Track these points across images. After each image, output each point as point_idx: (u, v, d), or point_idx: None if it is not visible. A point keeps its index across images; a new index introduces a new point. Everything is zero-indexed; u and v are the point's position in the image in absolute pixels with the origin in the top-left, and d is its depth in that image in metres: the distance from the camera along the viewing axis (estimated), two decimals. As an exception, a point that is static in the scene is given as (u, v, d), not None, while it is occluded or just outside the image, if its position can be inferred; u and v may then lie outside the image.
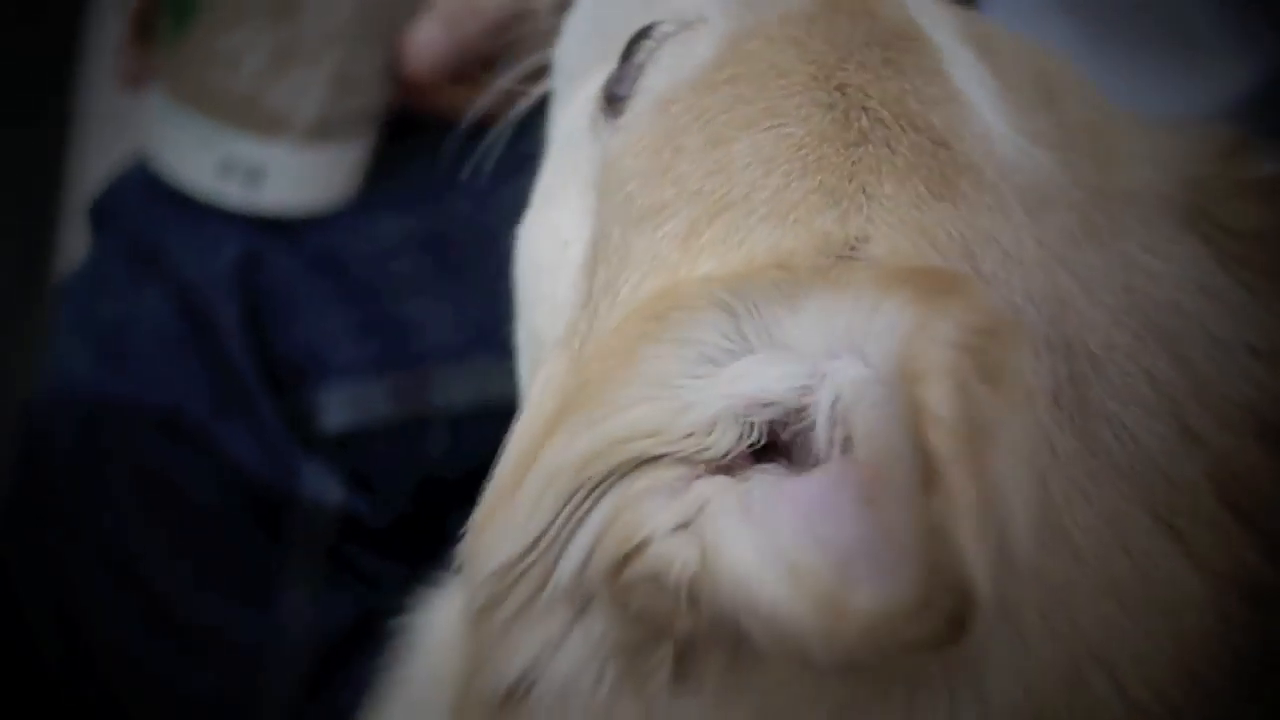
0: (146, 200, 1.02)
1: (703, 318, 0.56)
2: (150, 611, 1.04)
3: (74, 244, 1.28)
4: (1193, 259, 0.64)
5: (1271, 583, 0.58)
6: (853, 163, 0.61)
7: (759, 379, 0.54)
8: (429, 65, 0.98)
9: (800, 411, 0.53)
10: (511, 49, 1.04)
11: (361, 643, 1.09)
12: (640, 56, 0.71)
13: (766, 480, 0.53)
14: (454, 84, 1.02)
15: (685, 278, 0.60)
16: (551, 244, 0.71)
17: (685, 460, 0.54)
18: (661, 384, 0.55)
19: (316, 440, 1.02)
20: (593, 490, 0.55)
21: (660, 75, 0.69)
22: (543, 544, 0.56)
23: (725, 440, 0.54)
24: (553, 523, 0.55)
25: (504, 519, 0.57)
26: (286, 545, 1.03)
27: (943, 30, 0.69)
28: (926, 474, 0.45)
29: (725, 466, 0.54)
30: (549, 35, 1.08)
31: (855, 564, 0.47)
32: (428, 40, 0.98)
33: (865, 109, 0.63)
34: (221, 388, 1.00)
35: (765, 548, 0.50)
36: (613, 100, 0.71)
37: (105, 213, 1.05)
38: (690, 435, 0.54)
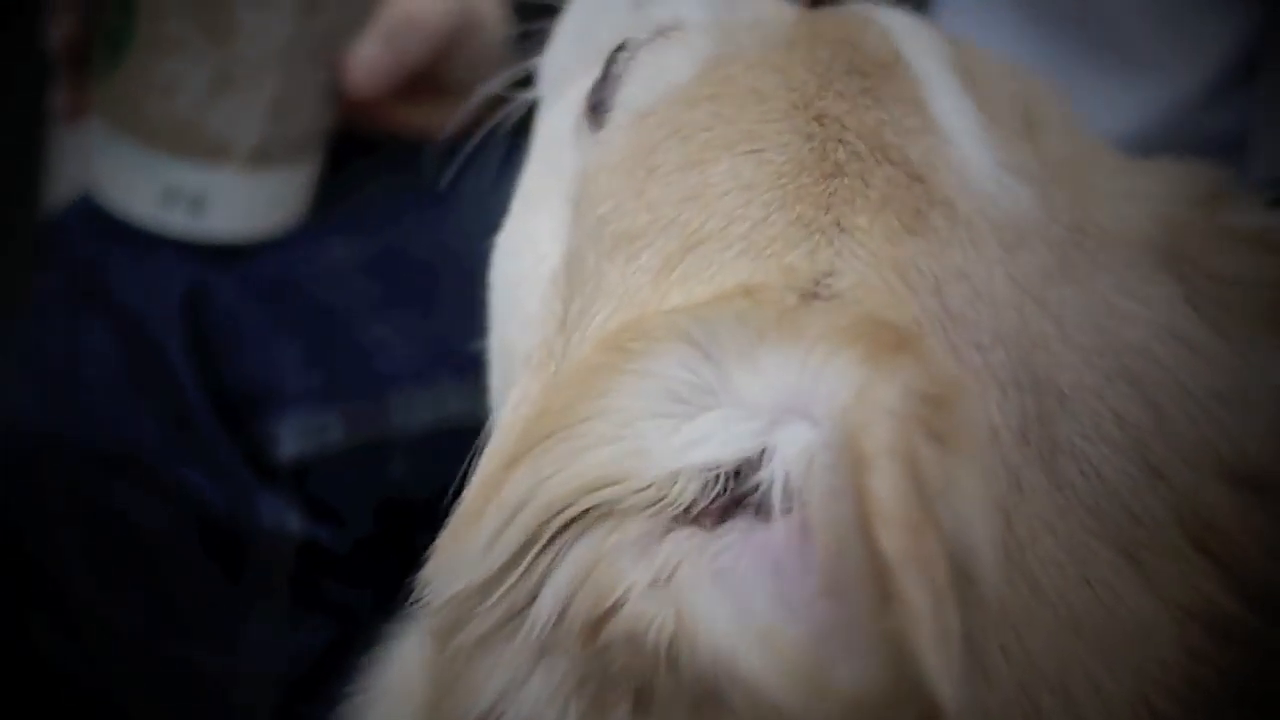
0: (89, 233, 1.00)
1: (666, 350, 0.55)
2: (110, 651, 1.02)
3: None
4: (1167, 302, 0.63)
5: (1236, 616, 0.57)
6: (829, 194, 0.61)
7: (715, 438, 0.53)
8: (372, 84, 0.97)
9: (757, 468, 0.52)
10: (458, 65, 1.03)
11: (331, 672, 1.07)
12: (618, 68, 0.71)
13: (735, 539, 0.52)
14: (400, 102, 1.01)
15: (653, 312, 0.59)
16: (528, 255, 0.71)
17: (652, 511, 0.53)
18: (623, 423, 0.54)
19: (273, 470, 1.00)
20: (559, 533, 0.54)
21: (637, 88, 0.69)
22: (507, 581, 0.55)
23: (689, 492, 0.53)
24: (517, 559, 0.54)
25: (465, 545, 0.56)
26: (247, 578, 1.02)
27: (928, 59, 0.68)
28: (878, 579, 0.44)
29: (694, 518, 0.53)
30: (498, 50, 1.07)
31: (829, 641, 0.46)
32: (370, 59, 0.96)
33: (842, 140, 0.63)
34: (172, 421, 0.98)
35: (740, 615, 0.49)
36: (595, 109, 0.72)
37: (46, 246, 1.04)
38: (652, 486, 0.53)
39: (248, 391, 0.99)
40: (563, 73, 0.80)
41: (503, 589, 0.55)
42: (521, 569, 0.54)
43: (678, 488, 0.53)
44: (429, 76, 1.01)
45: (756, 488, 0.53)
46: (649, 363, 0.55)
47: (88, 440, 0.98)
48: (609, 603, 0.52)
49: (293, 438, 1.00)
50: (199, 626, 1.02)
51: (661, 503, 0.53)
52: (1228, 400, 0.61)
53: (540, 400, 0.61)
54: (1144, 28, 1.04)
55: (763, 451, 0.52)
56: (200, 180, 0.95)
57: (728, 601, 0.50)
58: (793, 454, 0.51)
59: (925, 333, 0.57)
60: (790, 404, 0.52)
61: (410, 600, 0.82)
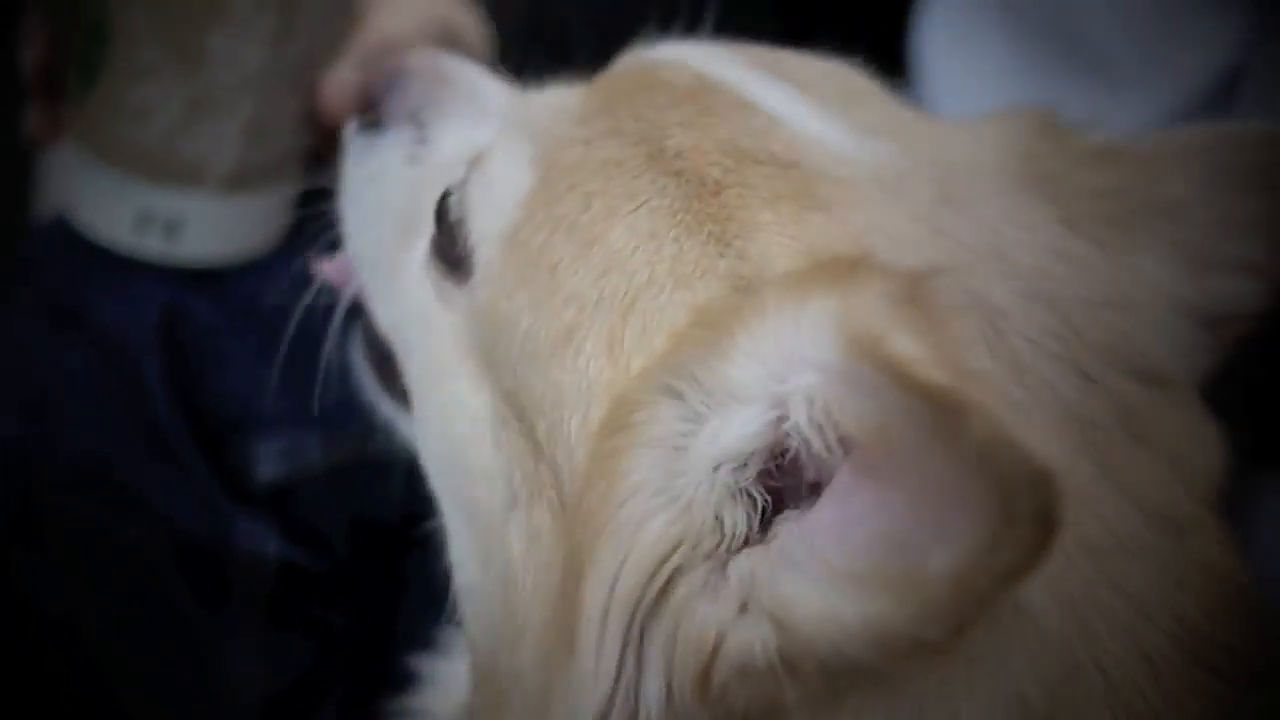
0: (66, 254, 1.00)
1: (655, 409, 0.57)
2: (90, 675, 1.03)
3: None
4: (1046, 224, 0.67)
5: (1190, 513, 0.62)
6: (724, 209, 0.63)
7: (726, 441, 0.55)
8: (346, 109, 0.97)
9: (783, 445, 0.54)
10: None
11: (310, 692, 1.08)
12: (455, 213, 0.72)
13: (790, 527, 0.53)
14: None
15: (625, 383, 0.60)
16: (458, 420, 0.70)
17: (711, 555, 0.55)
18: (655, 491, 0.56)
19: (251, 492, 1.00)
20: (644, 620, 0.55)
21: (488, 218, 0.70)
22: (621, 686, 0.56)
23: (739, 520, 0.55)
24: (620, 663, 0.56)
25: (572, 677, 0.57)
26: (225, 599, 1.02)
27: (731, 69, 0.71)
28: (942, 407, 0.45)
29: (746, 538, 0.55)
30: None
31: (910, 538, 0.47)
32: (345, 84, 0.96)
33: (708, 163, 0.65)
34: (150, 444, 0.98)
35: (825, 582, 0.50)
36: (452, 264, 0.72)
37: (22, 268, 1.04)
38: (706, 531, 0.55)
39: (225, 413, 0.99)
40: (378, 254, 0.81)
41: (619, 693, 0.56)
42: (628, 667, 0.56)
43: (727, 522, 0.55)
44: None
45: (791, 471, 0.54)
46: (647, 429, 0.57)
47: (64, 460, 0.99)
48: (708, 651, 0.54)
49: (271, 460, 1.00)
50: (177, 647, 1.02)
51: (720, 543, 0.55)
52: (1119, 306, 0.66)
53: (567, 517, 0.61)
54: (1127, 46, 1.04)
55: (776, 426, 0.54)
56: (175, 205, 0.95)
57: (808, 579, 0.51)
58: (808, 396, 0.52)
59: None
60: (783, 366, 0.53)
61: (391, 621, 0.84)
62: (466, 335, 0.70)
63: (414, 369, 0.76)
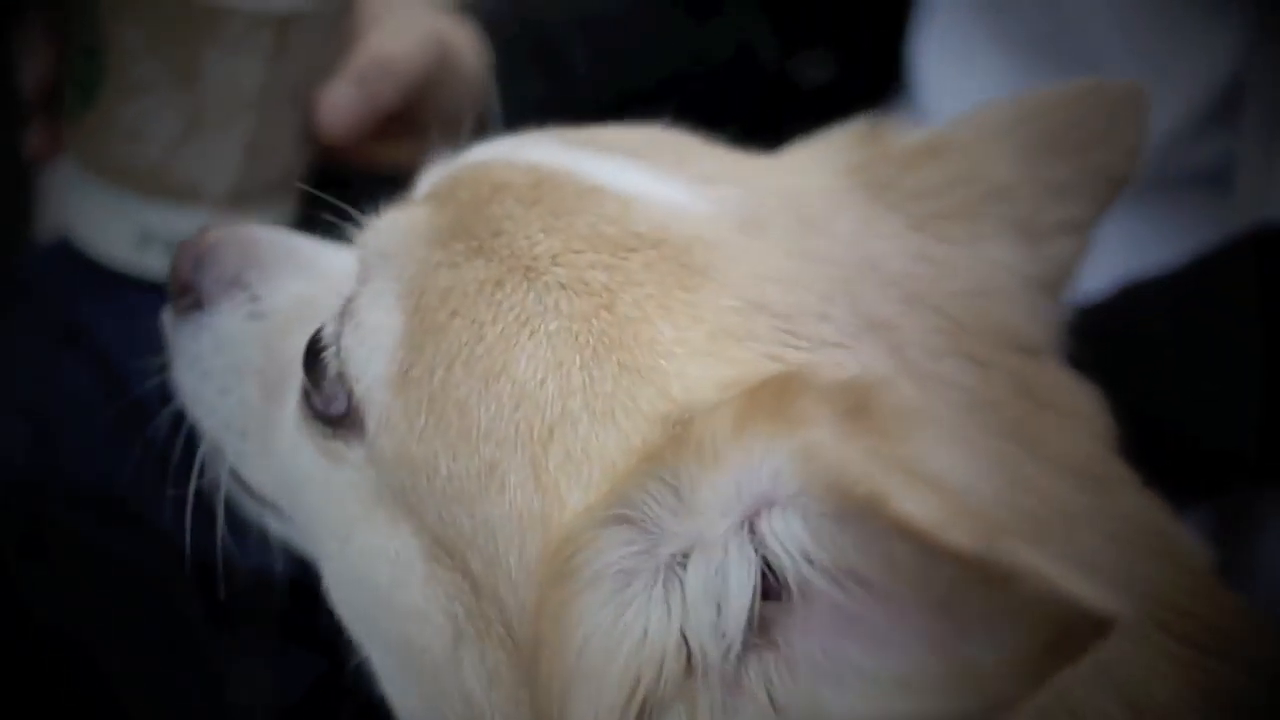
0: (67, 275, 1.01)
1: (598, 553, 0.57)
2: (101, 693, 1.03)
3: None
4: (896, 231, 0.70)
5: (1107, 463, 0.66)
6: (620, 323, 0.62)
7: (692, 583, 0.56)
8: (345, 126, 0.98)
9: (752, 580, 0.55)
10: (434, 103, 1.04)
11: (319, 706, 1.08)
12: (331, 368, 0.70)
13: (803, 637, 0.54)
14: (375, 141, 1.02)
15: (562, 519, 0.60)
16: (379, 567, 0.68)
17: (706, 672, 0.56)
18: (610, 633, 0.56)
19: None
20: None
21: (367, 363, 0.68)
22: None
23: (716, 646, 0.55)
24: None
25: None
26: (236, 617, 1.03)
27: (560, 154, 0.70)
28: (977, 569, 0.46)
29: (748, 647, 0.55)
30: (474, 87, 1.08)
31: (953, 649, 0.49)
32: (342, 102, 0.97)
33: (586, 265, 0.64)
34: (153, 461, 0.99)
35: (862, 687, 0.52)
36: (335, 421, 0.70)
37: (24, 288, 1.05)
38: (671, 657, 0.56)
39: None
40: (242, 420, 0.79)
41: None
42: None
43: (710, 647, 0.55)
44: (403, 115, 1.02)
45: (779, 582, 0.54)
46: (596, 565, 0.57)
47: (69, 479, 1.00)
48: None
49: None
50: (183, 660, 1.02)
51: (708, 662, 0.56)
52: (983, 292, 0.69)
53: (520, 653, 0.61)
54: (1127, 58, 1.05)
55: (757, 558, 0.54)
56: (174, 222, 0.96)
57: (845, 687, 0.52)
58: (786, 541, 0.53)
59: (787, 358, 0.61)
60: (743, 508, 0.54)
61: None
62: (369, 485, 0.69)
63: (312, 528, 0.74)
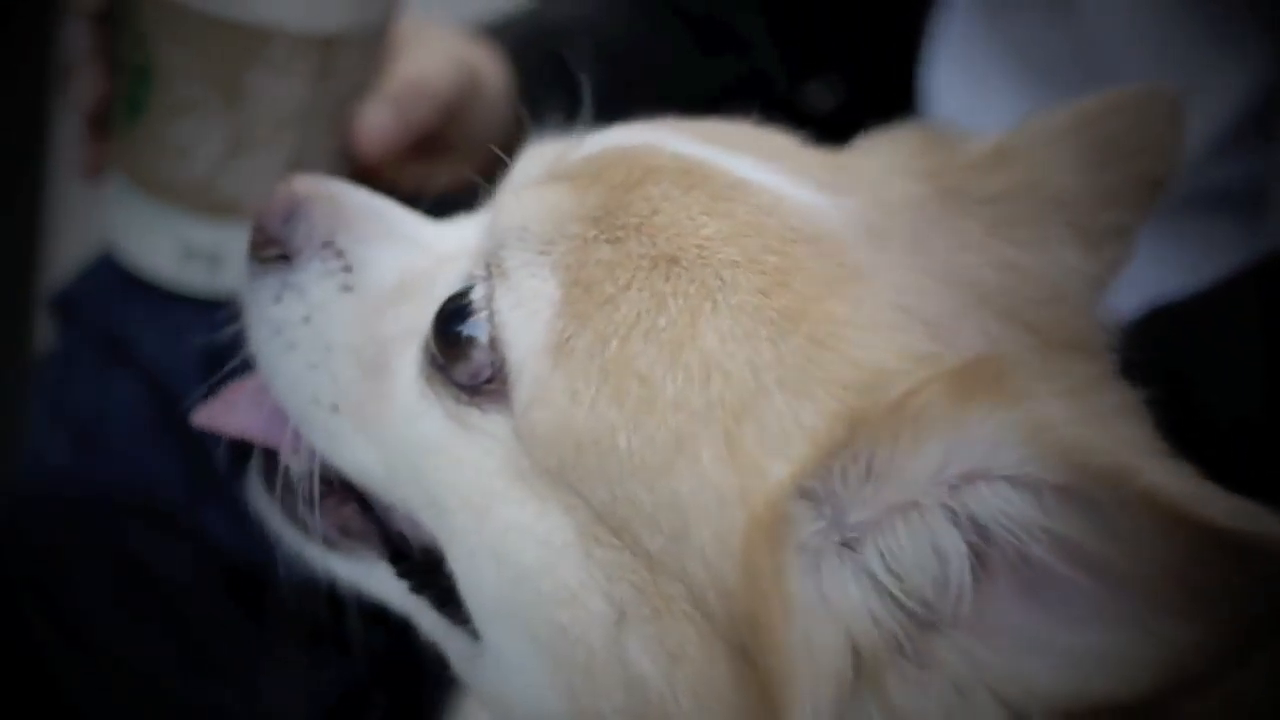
0: (112, 290, 1.04)
1: (799, 518, 0.59)
2: (135, 694, 1.05)
3: (41, 335, 1.30)
4: (979, 241, 0.71)
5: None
6: (800, 299, 0.64)
7: (899, 550, 0.58)
8: (381, 146, 1.00)
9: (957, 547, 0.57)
10: (463, 125, 1.06)
11: (352, 711, 1.10)
12: (480, 333, 0.68)
13: (1008, 615, 0.56)
14: (408, 161, 1.04)
15: (763, 491, 0.60)
16: (525, 547, 0.66)
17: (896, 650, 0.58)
18: (818, 603, 0.58)
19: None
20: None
21: (523, 331, 0.66)
22: None
23: (911, 615, 0.58)
24: None
25: None
26: (270, 621, 1.04)
27: (695, 147, 0.71)
28: (1222, 542, 0.49)
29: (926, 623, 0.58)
30: (501, 110, 1.10)
31: (1173, 615, 0.52)
32: (379, 122, 1.00)
33: (759, 249, 0.65)
34: (196, 470, 1.01)
35: (1071, 662, 0.55)
36: (472, 390, 0.68)
37: (71, 304, 1.07)
38: (883, 629, 0.58)
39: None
40: (336, 395, 0.74)
41: None
42: None
43: (906, 617, 0.58)
44: (435, 136, 1.04)
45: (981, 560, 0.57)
46: (798, 537, 0.59)
47: (114, 488, 1.02)
48: None
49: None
50: (222, 668, 1.04)
51: (903, 632, 0.58)
52: (1056, 298, 0.71)
53: (726, 634, 0.61)
54: (1153, 77, 1.05)
55: (965, 528, 0.57)
56: (218, 238, 0.99)
57: (1052, 662, 0.55)
58: (1000, 512, 0.55)
59: (987, 351, 0.63)
60: (958, 479, 0.56)
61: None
62: (510, 458, 0.66)
63: (438, 501, 0.70)
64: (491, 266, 0.69)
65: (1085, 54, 1.07)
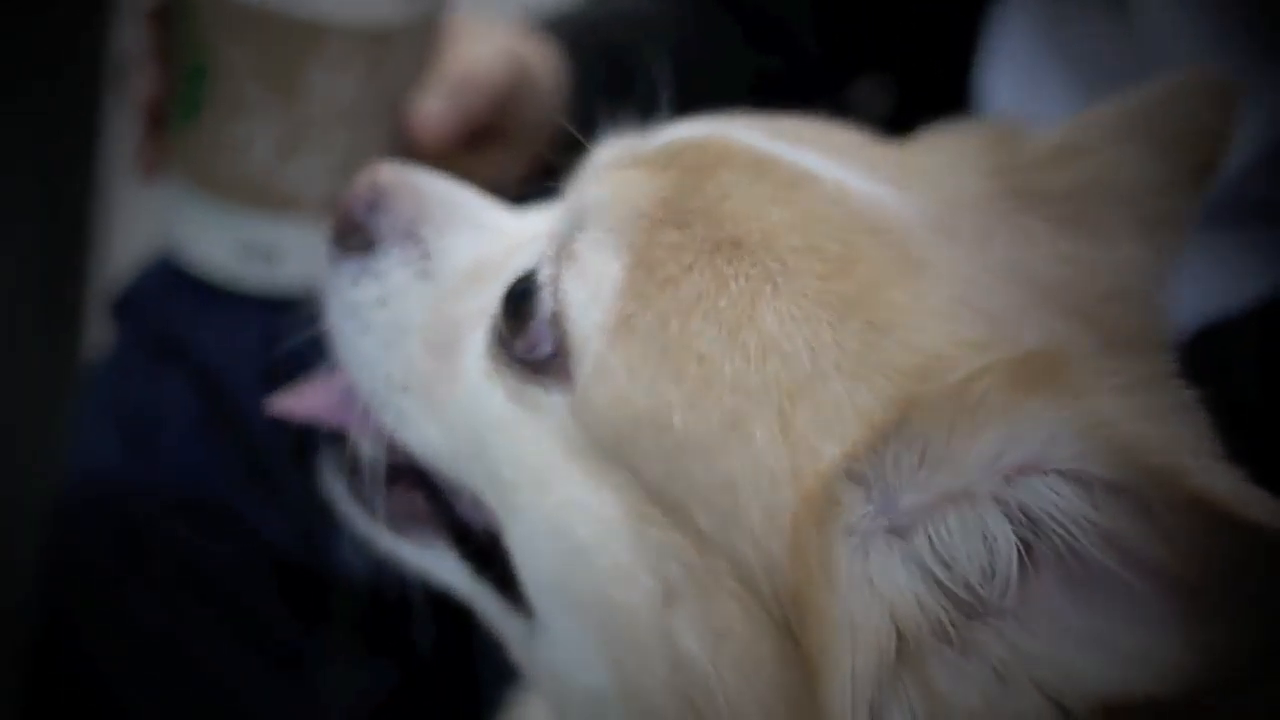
0: (167, 291, 1.04)
1: (849, 500, 0.58)
2: (192, 694, 1.05)
3: (96, 335, 1.30)
4: (1044, 237, 0.71)
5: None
6: (860, 287, 0.64)
7: (946, 537, 0.57)
8: (435, 138, 1.00)
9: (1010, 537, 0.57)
10: (514, 116, 1.06)
11: (398, 711, 1.10)
12: (545, 308, 0.68)
13: (1056, 605, 0.56)
14: (463, 152, 1.04)
15: (815, 471, 0.60)
16: (580, 523, 0.67)
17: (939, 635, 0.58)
18: (864, 586, 0.58)
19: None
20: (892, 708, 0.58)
21: (587, 308, 0.67)
22: None
23: (957, 602, 0.57)
24: None
25: None
26: (323, 621, 1.05)
27: (765, 140, 0.71)
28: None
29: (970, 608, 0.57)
30: (549, 101, 1.10)
31: (1217, 616, 0.52)
32: (433, 115, 1.00)
33: (822, 237, 0.65)
34: (249, 470, 1.01)
35: (1119, 657, 0.54)
36: (536, 365, 0.69)
37: (127, 305, 1.07)
38: (926, 614, 0.58)
39: (321, 438, 1.02)
40: (408, 377, 0.75)
41: None
42: None
43: (951, 605, 0.57)
44: (487, 127, 1.04)
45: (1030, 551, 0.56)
46: (846, 520, 0.58)
47: (166, 487, 1.02)
48: None
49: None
50: (272, 666, 1.04)
51: (947, 620, 0.57)
52: (1120, 295, 0.71)
53: (772, 611, 0.61)
54: None
55: (1016, 519, 0.56)
56: (275, 233, 0.99)
57: (1098, 655, 0.54)
58: (1052, 505, 0.55)
59: (1042, 344, 0.63)
60: (1011, 470, 0.56)
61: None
62: (568, 436, 0.67)
63: (500, 479, 0.71)
64: (562, 246, 0.69)
65: (1143, 59, 1.06)
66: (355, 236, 0.79)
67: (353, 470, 0.80)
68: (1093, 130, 0.76)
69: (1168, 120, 0.75)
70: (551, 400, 0.68)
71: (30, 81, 1.36)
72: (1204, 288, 0.96)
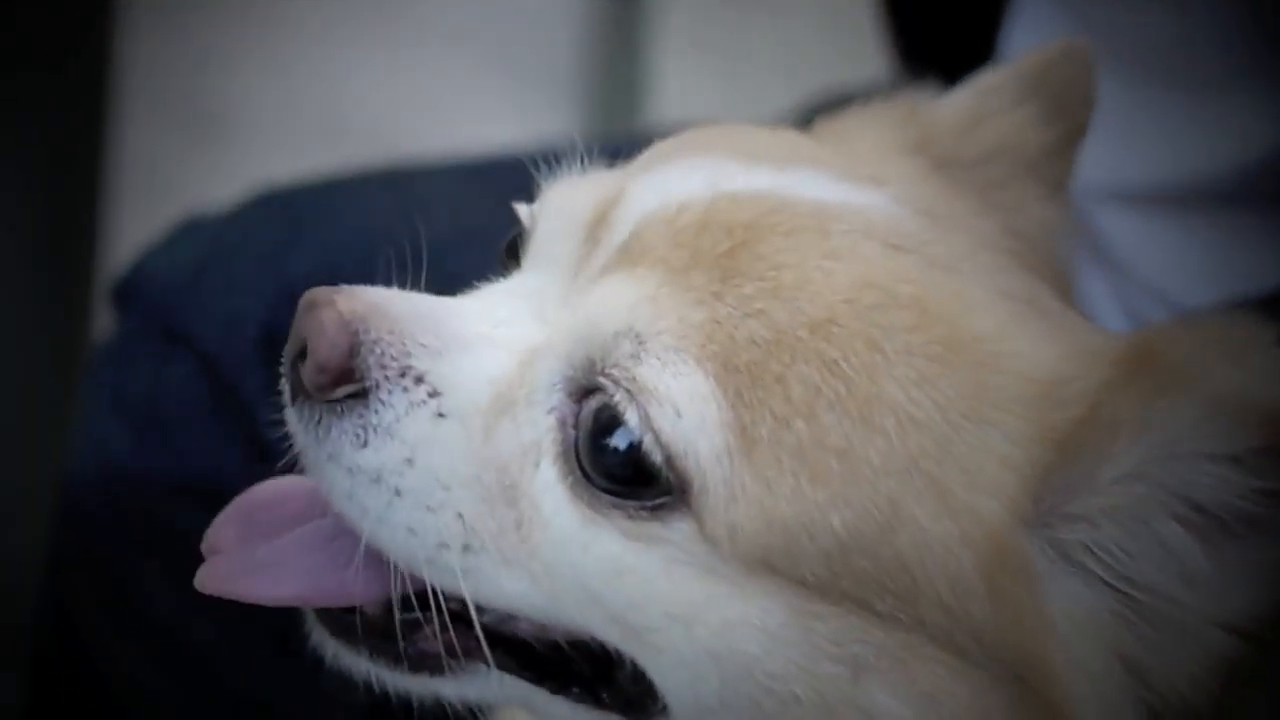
0: (170, 277, 1.04)
1: (1027, 545, 0.61)
2: (197, 680, 1.06)
3: (100, 322, 1.31)
4: (982, 209, 0.73)
5: None
6: (943, 324, 0.64)
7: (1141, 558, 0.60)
8: None
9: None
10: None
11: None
12: (652, 457, 0.63)
13: None
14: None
15: (985, 531, 0.61)
16: (744, 640, 0.64)
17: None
18: (1073, 618, 0.61)
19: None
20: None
21: (695, 438, 0.63)
22: None
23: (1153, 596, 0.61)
24: None
25: None
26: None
27: (756, 177, 0.68)
28: None
29: None
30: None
31: None
32: None
33: (887, 280, 0.64)
34: (253, 456, 1.01)
35: None
36: (650, 505, 0.64)
37: (130, 291, 1.08)
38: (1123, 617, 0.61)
39: None
40: (469, 535, 0.67)
41: None
42: None
43: (1149, 599, 0.61)
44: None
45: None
46: (1034, 563, 0.61)
47: (172, 473, 1.03)
48: None
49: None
50: (283, 655, 1.04)
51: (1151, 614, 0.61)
52: (1053, 257, 0.75)
53: (986, 668, 0.62)
54: (1228, 71, 1.04)
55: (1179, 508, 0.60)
56: None
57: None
58: (1212, 484, 0.58)
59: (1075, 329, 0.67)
60: (1162, 469, 0.59)
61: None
62: (704, 560, 0.63)
63: (632, 620, 0.66)
64: (621, 383, 0.64)
65: (1171, 51, 1.05)
66: (342, 387, 0.68)
67: (365, 630, 0.73)
68: (988, 97, 0.77)
69: (1050, 86, 0.77)
70: (673, 531, 0.64)
71: (34, 70, 1.36)
72: (1232, 271, 0.96)
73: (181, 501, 1.02)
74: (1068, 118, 0.78)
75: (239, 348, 1.01)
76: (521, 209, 0.74)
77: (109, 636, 1.06)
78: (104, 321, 1.28)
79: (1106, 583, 0.60)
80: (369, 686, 1.01)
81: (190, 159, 2.44)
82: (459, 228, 0.98)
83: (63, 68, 1.42)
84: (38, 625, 1.14)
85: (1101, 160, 0.87)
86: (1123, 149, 0.96)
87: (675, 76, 2.96)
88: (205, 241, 1.11)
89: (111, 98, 1.50)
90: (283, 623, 1.04)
